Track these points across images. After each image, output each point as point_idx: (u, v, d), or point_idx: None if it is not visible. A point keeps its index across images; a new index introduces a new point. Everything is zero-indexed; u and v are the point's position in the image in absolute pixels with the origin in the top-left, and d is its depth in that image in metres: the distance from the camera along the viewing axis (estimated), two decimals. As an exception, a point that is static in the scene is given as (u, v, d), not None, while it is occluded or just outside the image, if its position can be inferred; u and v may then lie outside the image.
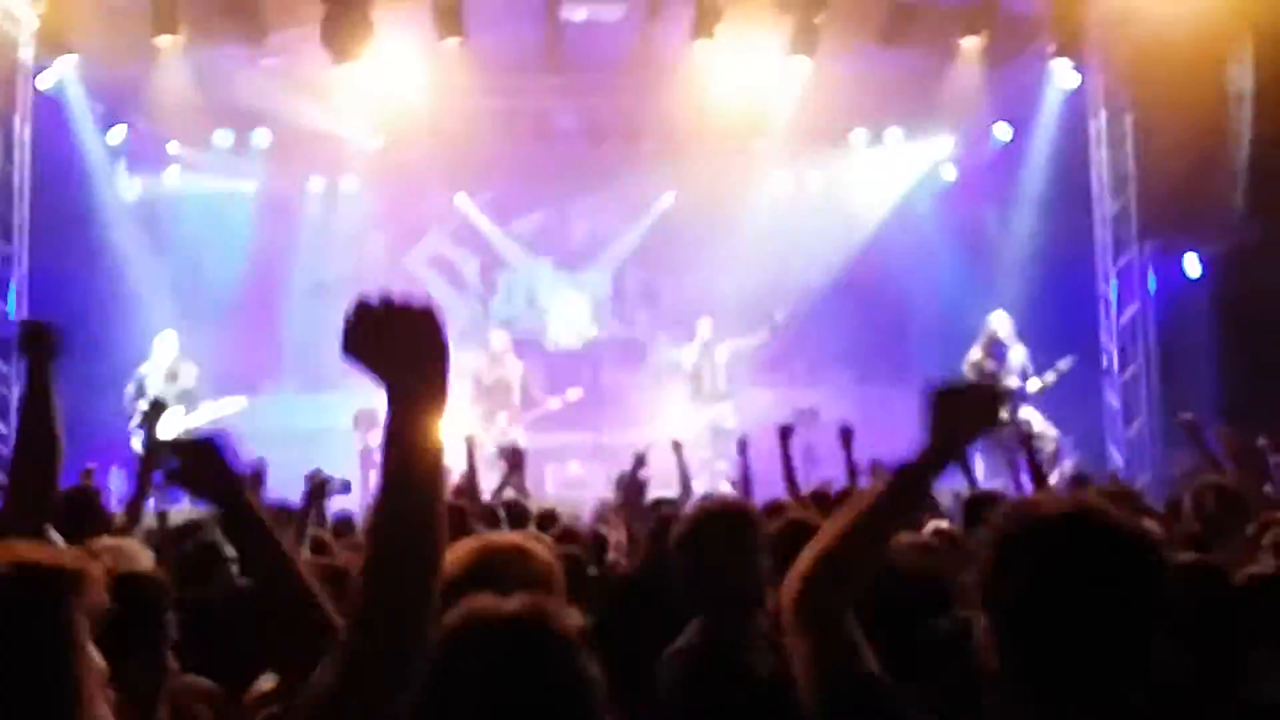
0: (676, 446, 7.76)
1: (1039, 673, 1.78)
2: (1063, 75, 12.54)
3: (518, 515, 6.39)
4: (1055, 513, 1.84)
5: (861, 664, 1.99)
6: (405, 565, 1.70)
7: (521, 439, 11.38)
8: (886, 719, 1.96)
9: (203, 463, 2.29)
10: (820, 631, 2.03)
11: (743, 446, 7.49)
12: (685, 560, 3.33)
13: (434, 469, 1.73)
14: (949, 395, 2.11)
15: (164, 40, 11.51)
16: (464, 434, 7.04)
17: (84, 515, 4.81)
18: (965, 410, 2.12)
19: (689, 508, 4.45)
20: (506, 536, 2.72)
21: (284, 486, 6.06)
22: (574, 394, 13.19)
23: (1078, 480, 6.96)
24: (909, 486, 2.11)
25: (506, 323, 15.24)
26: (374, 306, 1.74)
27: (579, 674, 1.79)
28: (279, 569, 2.29)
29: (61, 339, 3.45)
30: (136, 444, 11.30)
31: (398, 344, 1.72)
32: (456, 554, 2.43)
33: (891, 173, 14.76)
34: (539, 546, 2.64)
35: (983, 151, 14.26)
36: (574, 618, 1.91)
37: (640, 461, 6.69)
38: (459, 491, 6.48)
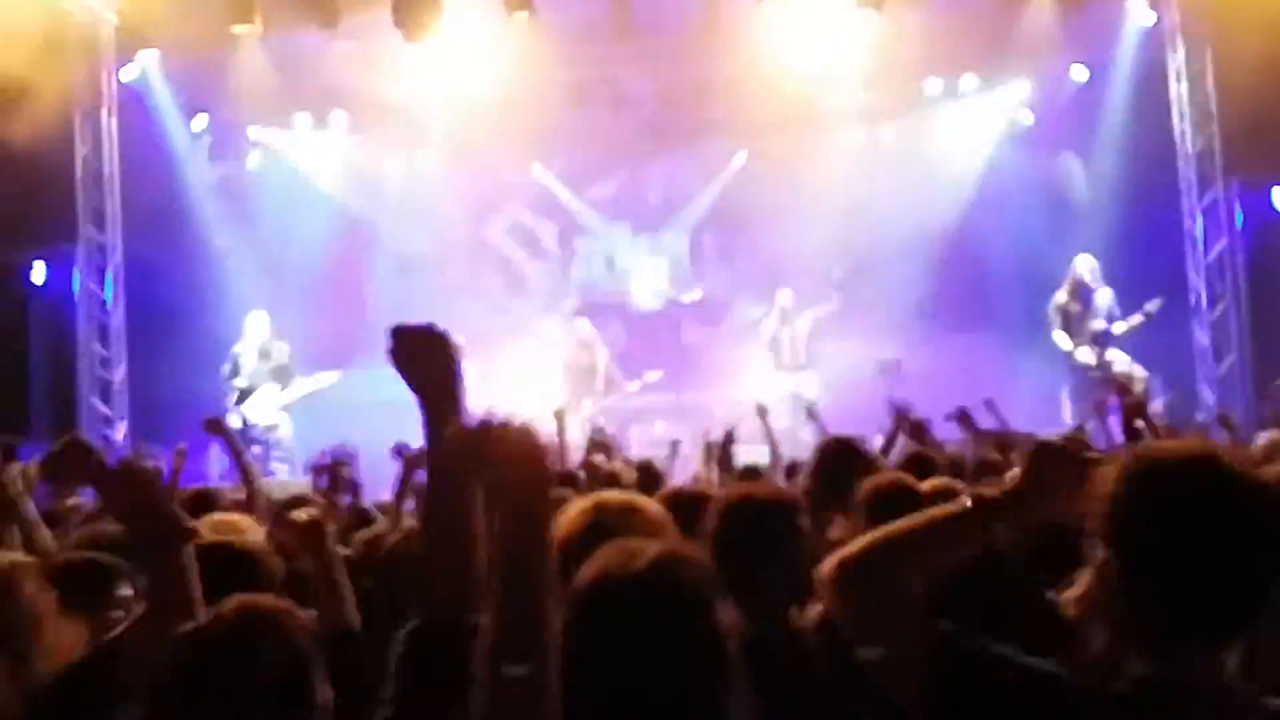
0: (762, 411, 7.78)
1: (1158, 610, 1.85)
2: (1138, 12, 12.32)
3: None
4: (1184, 456, 1.90)
5: (933, 625, 1.99)
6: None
7: (605, 425, 11.54)
8: (977, 673, 1.96)
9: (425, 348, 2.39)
10: (869, 601, 2.03)
11: (811, 413, 7.58)
12: (714, 554, 3.16)
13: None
14: (1053, 453, 2.13)
15: (241, 29, 11.78)
16: (555, 409, 7.06)
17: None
18: (1063, 472, 2.11)
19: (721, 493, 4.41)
20: (616, 495, 2.75)
21: (380, 458, 6.25)
22: (652, 376, 13.28)
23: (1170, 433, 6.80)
24: (981, 519, 2.11)
25: (586, 287, 15.41)
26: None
27: (714, 620, 1.86)
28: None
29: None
30: (234, 421, 11.66)
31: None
32: (570, 515, 2.55)
33: (967, 121, 14.58)
34: (649, 502, 2.70)
35: (1060, 95, 14.01)
36: (706, 565, 1.96)
37: (731, 437, 6.77)
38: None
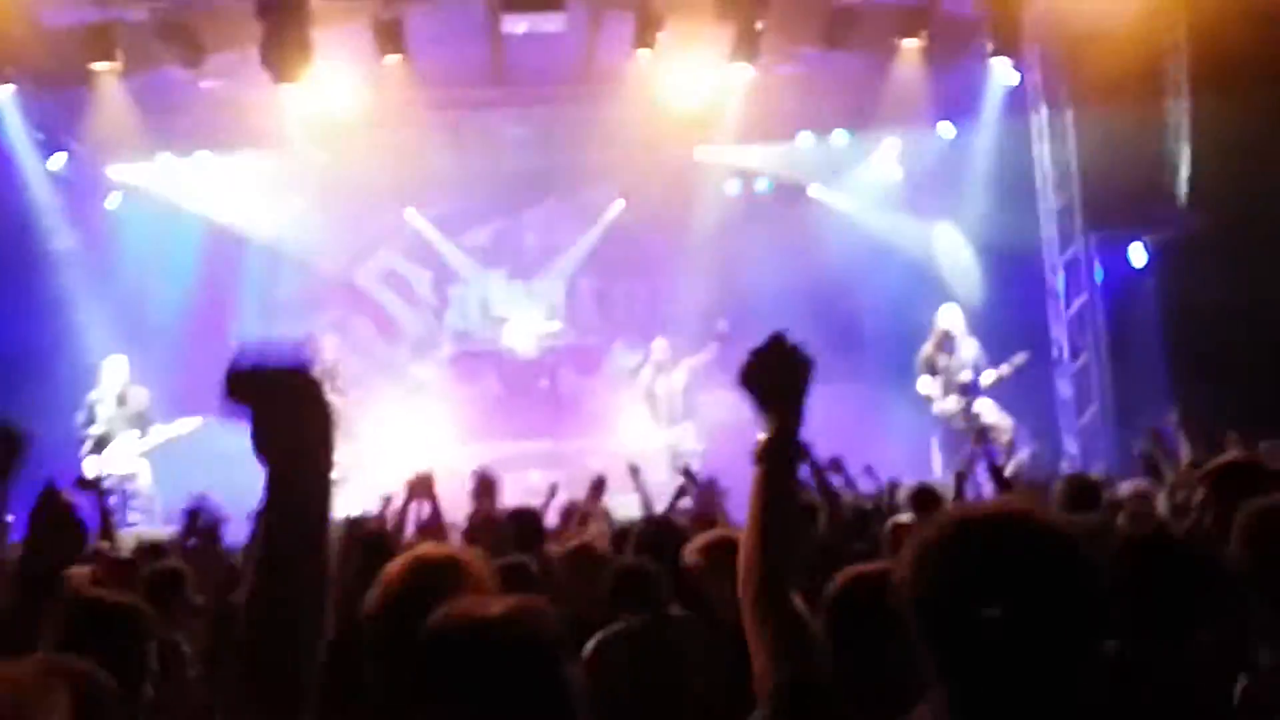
0: (634, 471, 7.74)
1: (968, 678, 1.68)
2: (1002, 73, 12.66)
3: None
4: (981, 515, 1.76)
5: (809, 660, 2.02)
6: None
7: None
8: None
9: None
10: (768, 619, 2.07)
11: (688, 472, 7.62)
12: None
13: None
14: (756, 363, 2.18)
15: (101, 65, 11.39)
16: (420, 468, 6.84)
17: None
18: (775, 368, 2.18)
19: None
20: (440, 548, 2.74)
21: (241, 506, 6.00)
22: None
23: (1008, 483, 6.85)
24: (772, 466, 2.17)
25: (460, 334, 15.25)
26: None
27: (561, 672, 1.86)
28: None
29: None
30: (89, 469, 11.19)
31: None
32: (393, 567, 2.49)
33: (838, 175, 14.85)
34: (472, 556, 2.65)
35: (927, 151, 14.36)
36: (553, 620, 1.95)
37: (598, 488, 6.67)
38: (425, 529, 6.31)
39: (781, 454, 2.17)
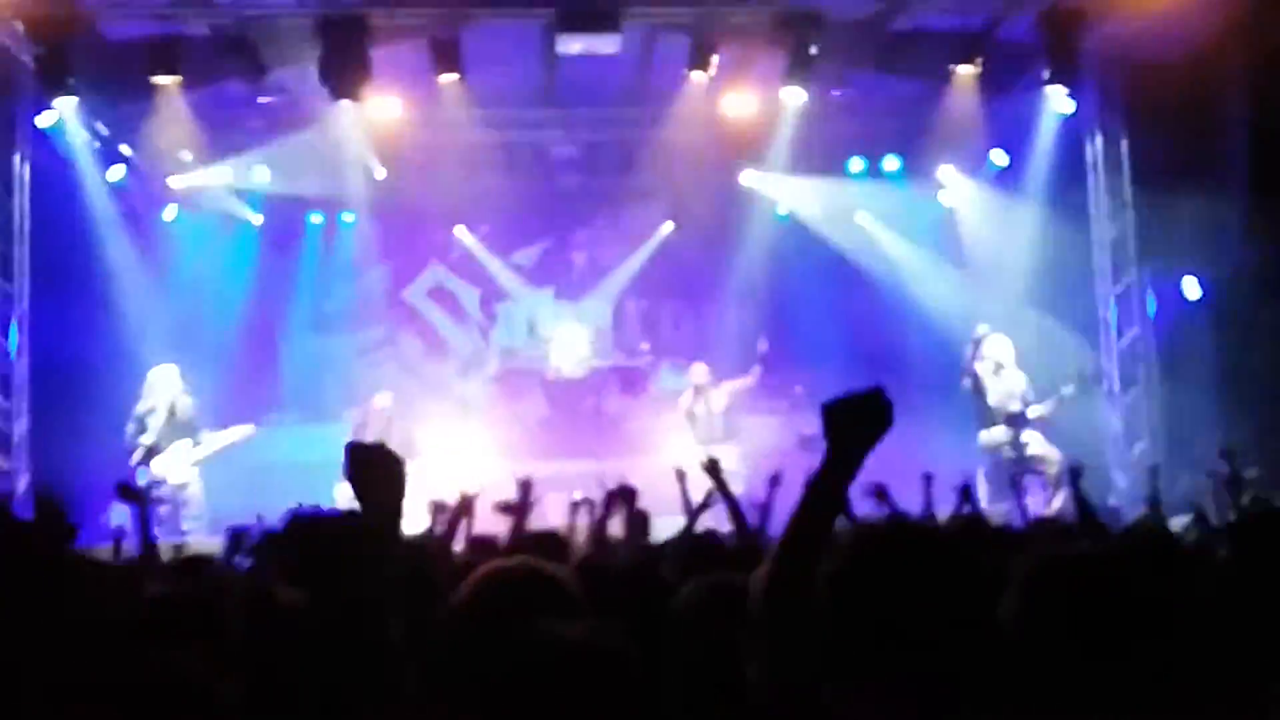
0: (680, 475, 7.58)
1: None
2: (1058, 101, 12.56)
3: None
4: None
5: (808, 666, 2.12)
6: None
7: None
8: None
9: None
10: (777, 635, 2.16)
11: (681, 476, 7.45)
12: None
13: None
14: (842, 406, 2.27)
15: (163, 79, 11.56)
16: (461, 491, 6.75)
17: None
18: (857, 418, 2.27)
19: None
20: (515, 559, 2.76)
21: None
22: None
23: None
24: (817, 500, 2.25)
25: (508, 352, 15.31)
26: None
27: (636, 695, 1.98)
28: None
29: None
30: (140, 479, 11.30)
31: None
32: (471, 579, 2.57)
33: (888, 200, 14.78)
34: (550, 566, 2.67)
35: (980, 178, 14.28)
36: (631, 644, 2.05)
37: (612, 497, 6.51)
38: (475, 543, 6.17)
39: (832, 485, 2.25)
